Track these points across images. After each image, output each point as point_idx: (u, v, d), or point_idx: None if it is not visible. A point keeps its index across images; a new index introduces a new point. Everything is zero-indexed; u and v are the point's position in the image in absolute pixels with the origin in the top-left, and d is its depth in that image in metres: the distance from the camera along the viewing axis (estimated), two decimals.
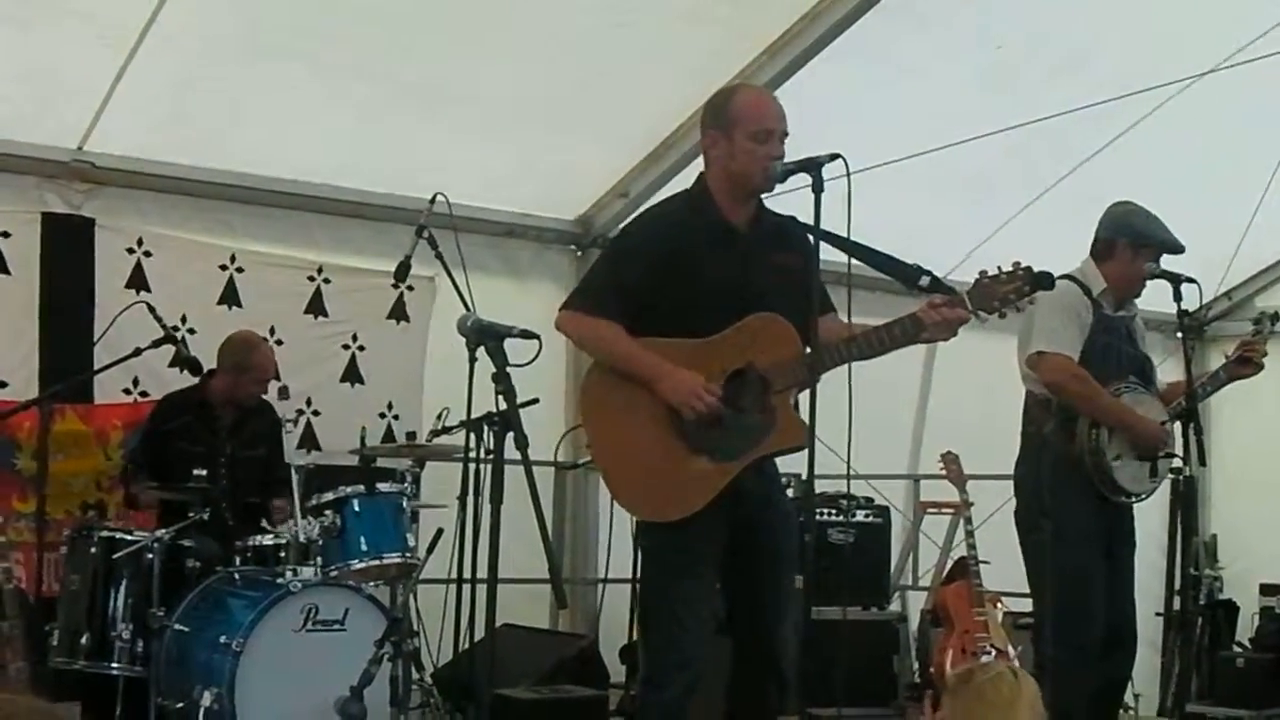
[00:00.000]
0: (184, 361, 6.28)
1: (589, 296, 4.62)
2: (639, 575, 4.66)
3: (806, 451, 4.19)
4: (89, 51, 6.36)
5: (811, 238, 4.26)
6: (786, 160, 4.40)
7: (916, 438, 9.54)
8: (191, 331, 6.97)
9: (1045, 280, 4.45)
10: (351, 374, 7.69)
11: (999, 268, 4.43)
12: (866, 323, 4.50)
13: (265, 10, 6.42)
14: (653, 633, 4.58)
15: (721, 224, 4.54)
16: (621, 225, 4.87)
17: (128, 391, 6.94)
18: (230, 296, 7.29)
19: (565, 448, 7.96)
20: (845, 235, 4.31)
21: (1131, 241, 5.84)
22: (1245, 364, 6.03)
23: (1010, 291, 4.39)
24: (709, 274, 4.47)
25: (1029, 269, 4.41)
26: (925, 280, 4.43)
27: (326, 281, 7.58)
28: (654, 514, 4.47)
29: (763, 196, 4.60)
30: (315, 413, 7.51)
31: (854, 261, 4.41)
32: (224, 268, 7.28)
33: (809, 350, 4.31)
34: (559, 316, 4.63)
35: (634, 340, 4.44)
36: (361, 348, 7.72)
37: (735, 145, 4.50)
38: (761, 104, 4.62)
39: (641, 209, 4.79)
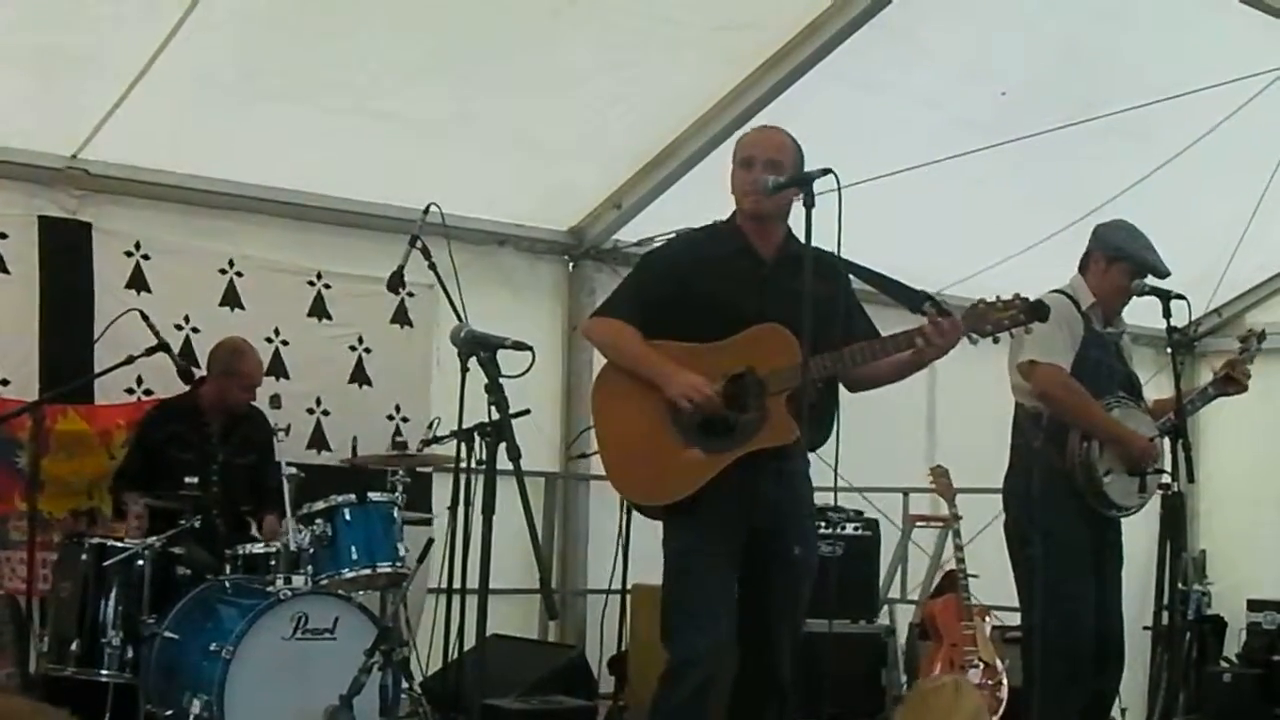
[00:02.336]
0: (177, 370, 6.29)
1: (610, 303, 4.85)
2: (662, 577, 4.72)
3: None
4: (90, 82, 6.39)
5: (837, 264, 4.51)
6: (778, 177, 4.50)
7: (907, 451, 9.55)
8: (195, 331, 7.00)
9: (1041, 311, 4.56)
10: (359, 375, 7.71)
11: (998, 296, 4.56)
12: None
13: (264, 56, 6.48)
14: (669, 632, 4.64)
15: (747, 251, 4.71)
16: (614, 236, 4.98)
17: (130, 391, 6.92)
18: (232, 298, 7.30)
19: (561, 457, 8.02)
20: (842, 253, 4.43)
21: (1107, 255, 5.89)
22: (1231, 382, 6.07)
23: (1005, 318, 4.53)
24: (727, 296, 4.63)
25: (1025, 299, 4.54)
26: (929, 306, 4.57)
27: (327, 286, 7.60)
28: (643, 498, 4.70)
29: (788, 222, 4.74)
30: (325, 412, 7.53)
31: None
32: (224, 271, 7.29)
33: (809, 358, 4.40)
34: (583, 325, 4.89)
35: (645, 342, 4.63)
36: (368, 350, 7.74)
37: (731, 176, 4.73)
38: (750, 136, 4.84)
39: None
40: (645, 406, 4.58)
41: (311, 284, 7.58)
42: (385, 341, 7.78)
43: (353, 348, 7.71)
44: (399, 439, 7.43)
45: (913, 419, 9.50)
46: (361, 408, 7.62)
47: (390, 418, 7.73)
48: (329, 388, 7.58)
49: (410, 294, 7.50)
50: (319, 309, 7.59)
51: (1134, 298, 5.87)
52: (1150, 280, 5.83)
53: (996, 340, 4.60)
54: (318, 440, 7.46)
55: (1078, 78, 7.55)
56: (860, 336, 4.64)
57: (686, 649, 4.52)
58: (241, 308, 7.30)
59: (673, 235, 5.38)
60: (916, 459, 9.52)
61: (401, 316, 7.79)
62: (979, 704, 3.33)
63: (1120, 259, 5.86)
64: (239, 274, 7.32)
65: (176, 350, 6.48)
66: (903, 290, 4.73)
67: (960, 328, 4.51)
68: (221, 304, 7.27)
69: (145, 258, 7.05)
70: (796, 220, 4.58)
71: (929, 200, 8.12)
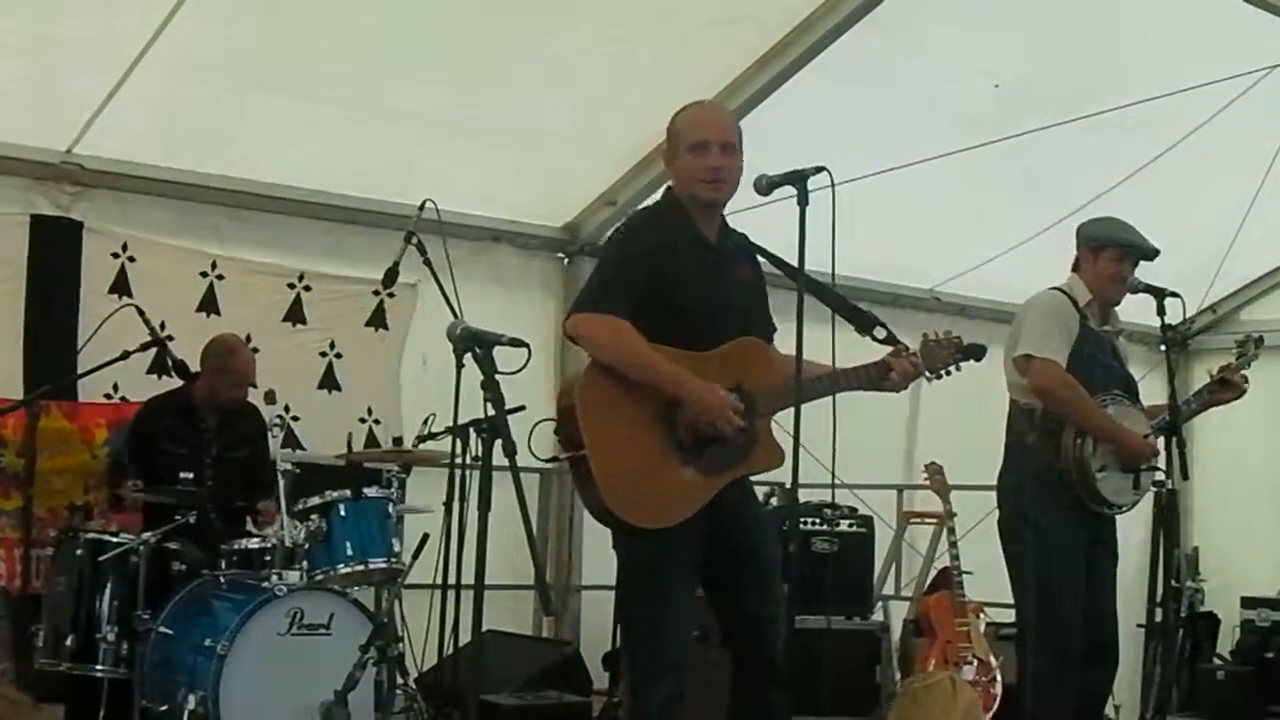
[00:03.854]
0: (172, 365, 6.29)
1: (603, 295, 4.50)
2: (618, 584, 4.66)
3: (791, 461, 4.26)
4: (81, 77, 6.39)
5: (755, 251, 4.54)
6: (772, 173, 4.40)
7: (901, 448, 9.57)
8: (170, 338, 6.96)
9: (976, 352, 4.80)
10: (329, 381, 7.71)
11: (937, 333, 4.76)
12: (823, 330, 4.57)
13: (259, 45, 6.46)
14: (635, 642, 4.57)
15: (696, 236, 4.57)
16: (614, 229, 4.86)
17: (108, 397, 6.94)
18: (209, 304, 7.30)
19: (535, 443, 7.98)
20: (835, 251, 4.36)
21: (1091, 247, 5.92)
22: (1226, 388, 6.09)
23: (946, 357, 4.74)
24: (689, 286, 4.49)
25: (959, 339, 4.76)
26: (881, 332, 4.65)
27: (307, 289, 7.60)
28: (641, 519, 4.42)
29: (752, 206, 4.64)
30: (295, 418, 7.50)
31: (842, 272, 4.46)
32: (204, 274, 7.30)
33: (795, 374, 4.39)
34: (571, 321, 4.52)
35: (650, 345, 4.40)
36: (339, 355, 7.74)
37: (679, 162, 4.57)
38: (698, 116, 4.65)
39: (630, 214, 4.80)
40: (640, 418, 4.39)
41: (291, 286, 7.58)
42: (357, 345, 7.77)
43: (323, 354, 7.71)
44: (375, 441, 7.52)
45: (894, 416, 9.46)
46: (331, 412, 7.61)
47: (363, 420, 7.73)
48: (298, 395, 7.53)
49: (390, 294, 7.52)
50: (295, 313, 7.60)
51: (1129, 294, 5.89)
52: (1140, 269, 5.87)
53: (940, 378, 4.76)
54: (291, 444, 7.39)
55: (1073, 73, 7.56)
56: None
57: (657, 660, 4.44)
58: (217, 314, 7.30)
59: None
60: (898, 456, 9.56)
61: (377, 319, 7.80)
62: (973, 699, 3.34)
63: (1102, 246, 5.89)
64: (220, 277, 7.33)
65: (151, 358, 6.48)
66: (853, 311, 4.70)
67: (922, 367, 4.67)
68: (198, 310, 7.27)
69: (131, 259, 7.07)
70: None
71: (923, 195, 8.13)
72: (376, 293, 7.57)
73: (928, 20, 7.09)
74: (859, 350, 4.70)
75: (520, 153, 7.59)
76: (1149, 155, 8.19)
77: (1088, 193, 8.00)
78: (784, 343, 4.52)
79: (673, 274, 4.48)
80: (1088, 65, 7.55)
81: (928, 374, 4.66)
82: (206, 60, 6.46)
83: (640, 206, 4.80)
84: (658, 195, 4.77)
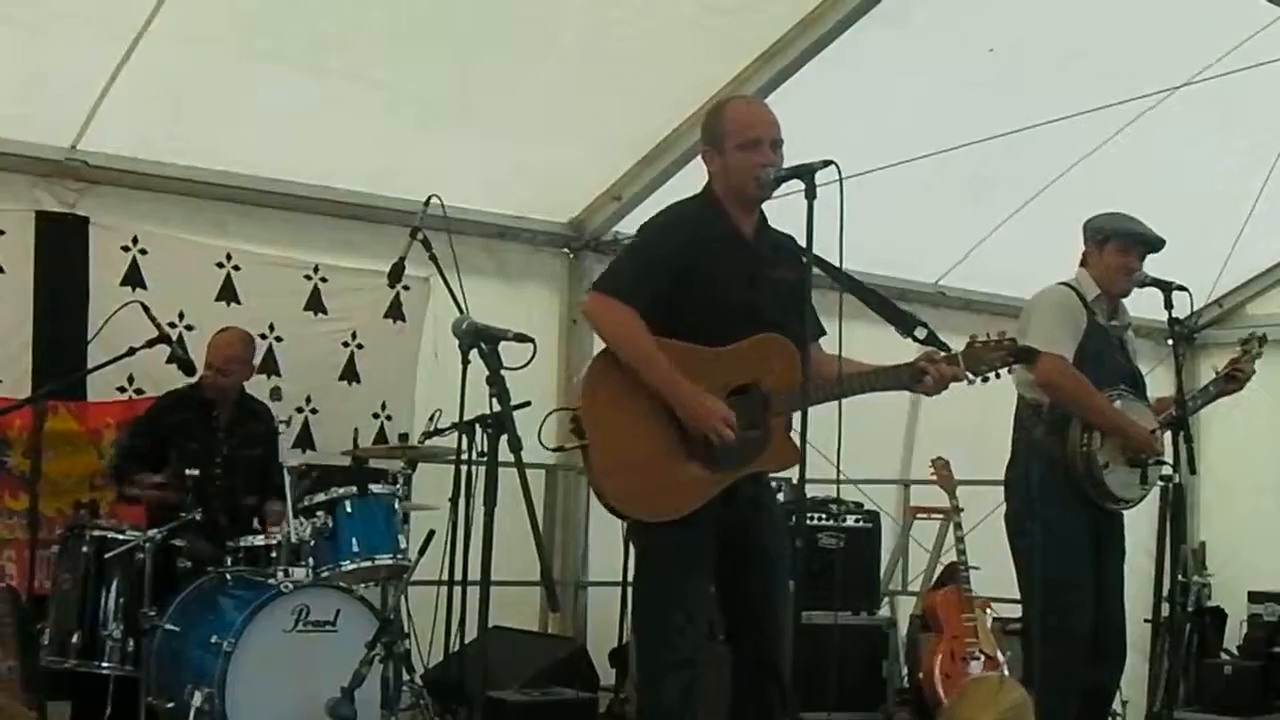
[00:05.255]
0: (177, 361, 6.28)
1: (621, 281, 4.53)
2: (633, 576, 4.66)
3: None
4: (84, 52, 6.34)
5: (811, 259, 4.31)
6: (779, 168, 4.42)
7: (907, 443, 9.56)
8: (189, 328, 6.96)
9: (1026, 354, 4.66)
10: (350, 372, 7.69)
11: (988, 335, 4.58)
12: (857, 327, 4.54)
13: (262, 14, 6.42)
14: (648, 633, 4.57)
15: (733, 233, 4.56)
16: (651, 217, 4.82)
17: (122, 390, 6.91)
18: (228, 293, 7.27)
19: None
20: (840, 267, 4.34)
21: (1096, 240, 5.93)
22: (1233, 380, 6.10)
23: (996, 359, 4.54)
24: (721, 283, 4.49)
25: (1013, 340, 4.59)
26: (921, 332, 4.55)
27: (324, 280, 7.58)
28: (641, 512, 4.46)
29: (763, 206, 4.63)
30: (314, 411, 7.49)
31: (848, 268, 4.43)
32: (220, 265, 7.27)
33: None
34: (592, 299, 4.54)
35: (656, 343, 4.40)
36: (360, 346, 7.72)
37: (727, 158, 4.54)
38: (748, 113, 4.64)
39: (668, 205, 4.76)
40: (645, 411, 4.38)
41: (309, 277, 7.56)
42: (377, 337, 7.76)
43: (345, 344, 7.69)
44: (385, 437, 7.51)
45: (899, 411, 9.44)
46: (349, 406, 7.59)
47: (376, 416, 7.73)
48: (320, 386, 7.54)
49: (405, 287, 7.51)
50: (315, 303, 7.57)
51: (1137, 288, 5.88)
52: (1149, 264, 5.87)
53: (986, 380, 4.56)
54: (304, 439, 7.42)
55: (1082, 64, 7.54)
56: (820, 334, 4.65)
57: (670, 650, 4.44)
58: (238, 302, 7.27)
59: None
60: (907, 450, 9.54)
61: (395, 311, 7.78)
62: (1021, 701, 3.35)
63: (1107, 238, 5.89)
64: (236, 268, 7.30)
65: (168, 353, 6.46)
66: (895, 312, 4.64)
67: (961, 370, 4.50)
68: (218, 299, 7.24)
69: (143, 252, 7.04)
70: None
71: (927, 189, 8.12)
72: (392, 285, 7.52)
73: (933, 10, 7.08)
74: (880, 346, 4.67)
75: (526, 148, 7.58)
76: (1154, 146, 8.17)
77: (1095, 187, 7.97)
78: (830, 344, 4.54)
79: (705, 270, 4.48)
80: (1095, 57, 7.53)
81: (970, 376, 4.52)
82: (212, 57, 6.46)
83: (679, 200, 4.73)
84: (664, 189, 4.76)
